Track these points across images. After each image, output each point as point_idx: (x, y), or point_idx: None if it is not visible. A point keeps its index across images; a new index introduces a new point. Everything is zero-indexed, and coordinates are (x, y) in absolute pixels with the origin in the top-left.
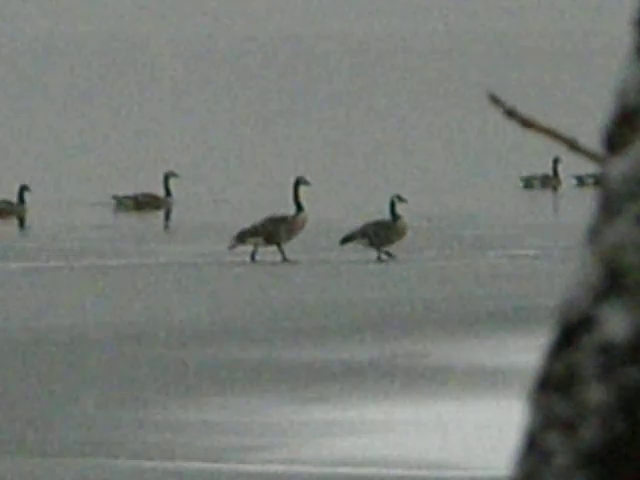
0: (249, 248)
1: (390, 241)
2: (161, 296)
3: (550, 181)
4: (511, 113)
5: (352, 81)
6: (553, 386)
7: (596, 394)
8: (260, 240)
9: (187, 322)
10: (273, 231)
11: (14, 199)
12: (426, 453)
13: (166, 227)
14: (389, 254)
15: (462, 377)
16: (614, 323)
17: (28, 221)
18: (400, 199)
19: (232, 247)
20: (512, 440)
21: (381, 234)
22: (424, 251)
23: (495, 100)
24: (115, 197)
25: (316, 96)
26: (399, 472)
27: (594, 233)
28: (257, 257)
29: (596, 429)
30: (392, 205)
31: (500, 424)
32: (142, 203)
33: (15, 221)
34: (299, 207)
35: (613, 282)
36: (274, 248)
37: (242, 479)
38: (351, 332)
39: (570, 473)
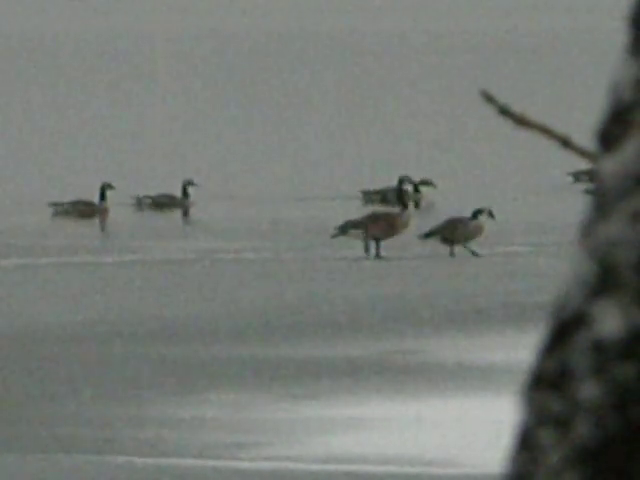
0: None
1: (466, 239)
2: (156, 293)
3: None
4: (504, 111)
5: (378, 77)
6: (546, 383)
7: (589, 391)
8: (361, 233)
9: (182, 319)
10: (375, 226)
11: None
12: (418, 450)
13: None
14: (474, 252)
15: (454, 374)
16: (607, 321)
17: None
18: (490, 214)
19: (334, 237)
20: (505, 437)
21: (459, 232)
22: (415, 248)
23: (488, 98)
24: (363, 192)
25: (328, 92)
26: (391, 469)
27: (588, 230)
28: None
29: (589, 426)
30: (477, 212)
31: (493, 421)
32: (389, 198)
33: (179, 213)
34: (404, 205)
35: (606, 280)
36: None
37: (235, 476)
38: (343, 329)
39: (563, 470)
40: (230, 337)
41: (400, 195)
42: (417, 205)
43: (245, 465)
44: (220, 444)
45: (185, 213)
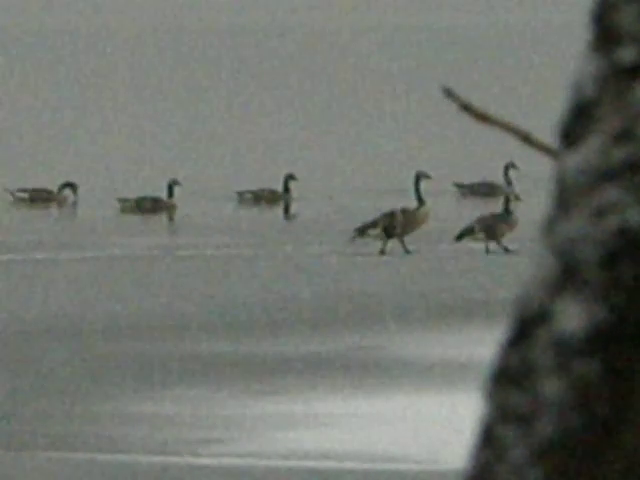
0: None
1: (503, 235)
2: (117, 288)
3: None
4: (466, 107)
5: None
6: (508, 379)
7: (551, 388)
8: (381, 233)
9: (142, 315)
10: (393, 224)
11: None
12: (381, 446)
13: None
14: (506, 248)
15: (418, 370)
16: (569, 317)
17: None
18: (516, 198)
19: (352, 240)
20: (467, 434)
21: (496, 227)
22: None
23: (450, 94)
24: (457, 185)
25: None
26: (354, 465)
27: (550, 227)
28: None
29: (551, 423)
30: (507, 201)
31: (455, 417)
32: (478, 192)
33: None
34: (420, 201)
35: (568, 276)
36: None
37: (196, 472)
38: (307, 325)
39: (525, 466)
40: (192, 333)
41: (417, 191)
42: (287, 209)
43: (207, 461)
44: (181, 440)
45: (286, 209)
